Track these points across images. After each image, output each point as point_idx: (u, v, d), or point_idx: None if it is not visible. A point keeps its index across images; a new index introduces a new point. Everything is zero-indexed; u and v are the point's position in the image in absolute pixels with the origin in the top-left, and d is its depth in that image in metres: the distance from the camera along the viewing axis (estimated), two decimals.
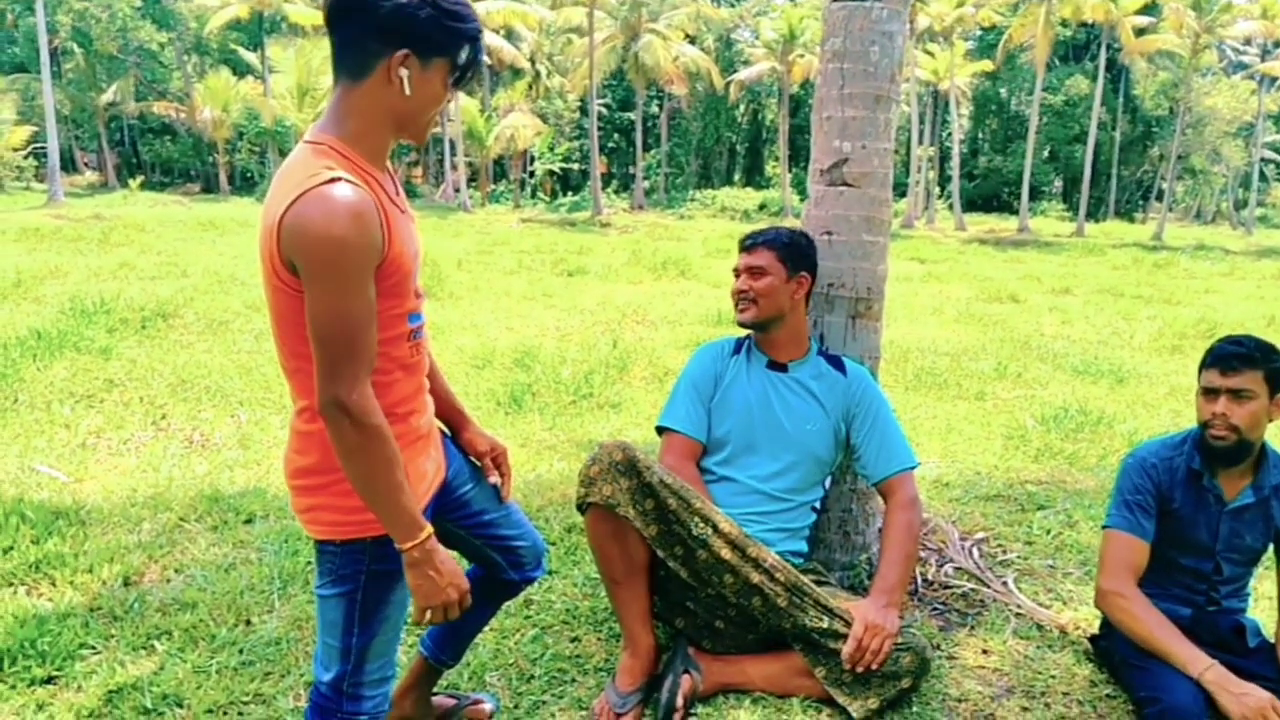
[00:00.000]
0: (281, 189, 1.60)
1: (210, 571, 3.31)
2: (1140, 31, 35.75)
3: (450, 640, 2.39)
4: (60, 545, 3.46)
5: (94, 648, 2.80)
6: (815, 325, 3.07)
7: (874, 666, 2.46)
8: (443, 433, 2.14)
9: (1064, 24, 36.49)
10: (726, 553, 2.49)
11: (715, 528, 2.50)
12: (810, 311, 3.05)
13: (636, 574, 2.58)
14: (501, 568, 2.24)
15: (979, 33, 43.50)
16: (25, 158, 37.69)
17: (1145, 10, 35.58)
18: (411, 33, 1.62)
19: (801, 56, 37.24)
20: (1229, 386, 2.43)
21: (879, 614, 2.51)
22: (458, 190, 36.87)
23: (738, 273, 2.82)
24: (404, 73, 1.63)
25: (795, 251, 2.80)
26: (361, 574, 1.79)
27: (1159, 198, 43.58)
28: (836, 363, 2.87)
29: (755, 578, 2.50)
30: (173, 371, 6.39)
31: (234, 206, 29.94)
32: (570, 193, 45.91)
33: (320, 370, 1.61)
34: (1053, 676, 2.74)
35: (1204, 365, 2.50)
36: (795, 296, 2.80)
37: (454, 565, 1.80)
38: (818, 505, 2.87)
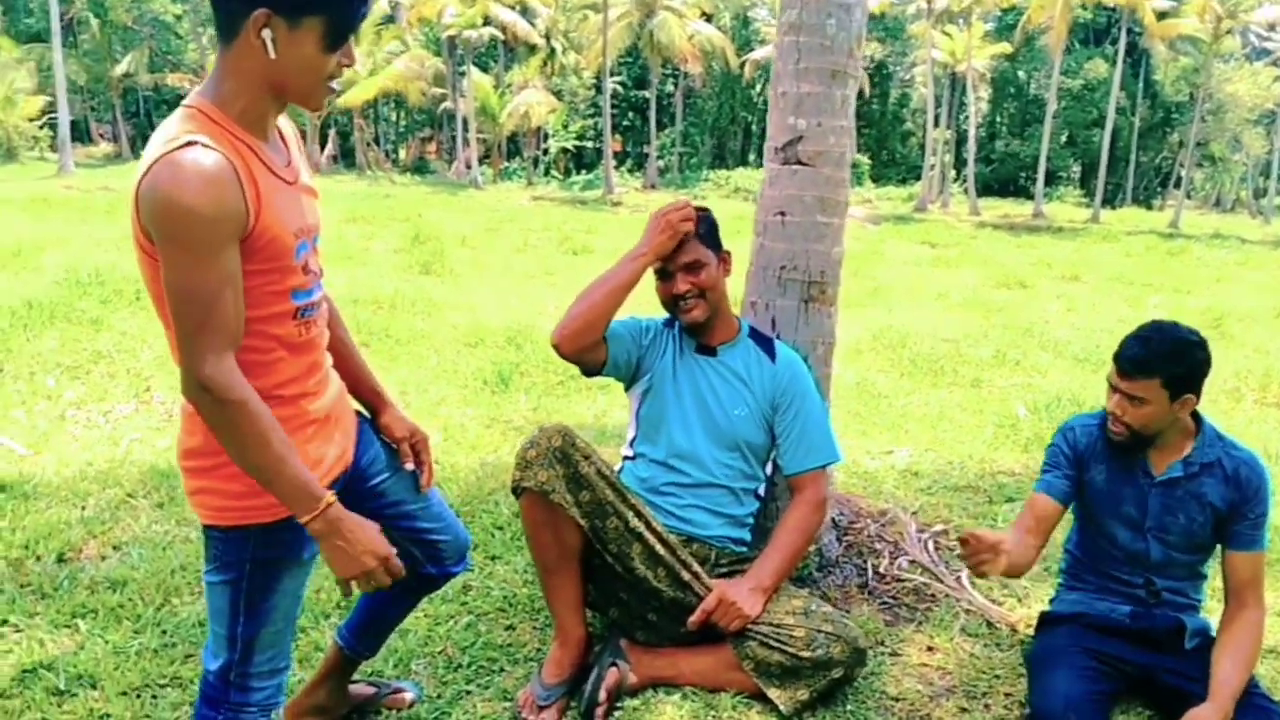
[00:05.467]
0: (147, 154, 1.53)
1: (147, 549, 3.25)
2: (1162, 15, 35.14)
3: (367, 632, 2.33)
4: None
5: (16, 625, 2.75)
6: (767, 309, 2.98)
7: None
8: (361, 415, 2.06)
9: (1083, 6, 35.94)
10: (661, 548, 2.48)
11: (648, 523, 2.48)
12: (762, 294, 2.95)
13: (569, 562, 2.51)
14: (419, 561, 2.15)
15: (998, 14, 42.87)
16: (40, 128, 37.77)
17: None
18: None
19: None
20: (1123, 390, 2.44)
21: (740, 594, 2.47)
22: (469, 167, 36.76)
23: (671, 274, 2.60)
24: (266, 34, 1.52)
25: (715, 232, 2.65)
26: (246, 562, 1.73)
27: (1177, 185, 43.00)
28: (767, 346, 2.73)
29: (685, 575, 2.50)
30: (162, 344, 6.31)
31: None
32: (584, 171, 45.67)
33: (179, 346, 1.54)
34: (996, 676, 2.65)
35: (1115, 355, 2.47)
36: (722, 277, 2.66)
37: (368, 532, 1.71)
38: (760, 492, 2.77)
